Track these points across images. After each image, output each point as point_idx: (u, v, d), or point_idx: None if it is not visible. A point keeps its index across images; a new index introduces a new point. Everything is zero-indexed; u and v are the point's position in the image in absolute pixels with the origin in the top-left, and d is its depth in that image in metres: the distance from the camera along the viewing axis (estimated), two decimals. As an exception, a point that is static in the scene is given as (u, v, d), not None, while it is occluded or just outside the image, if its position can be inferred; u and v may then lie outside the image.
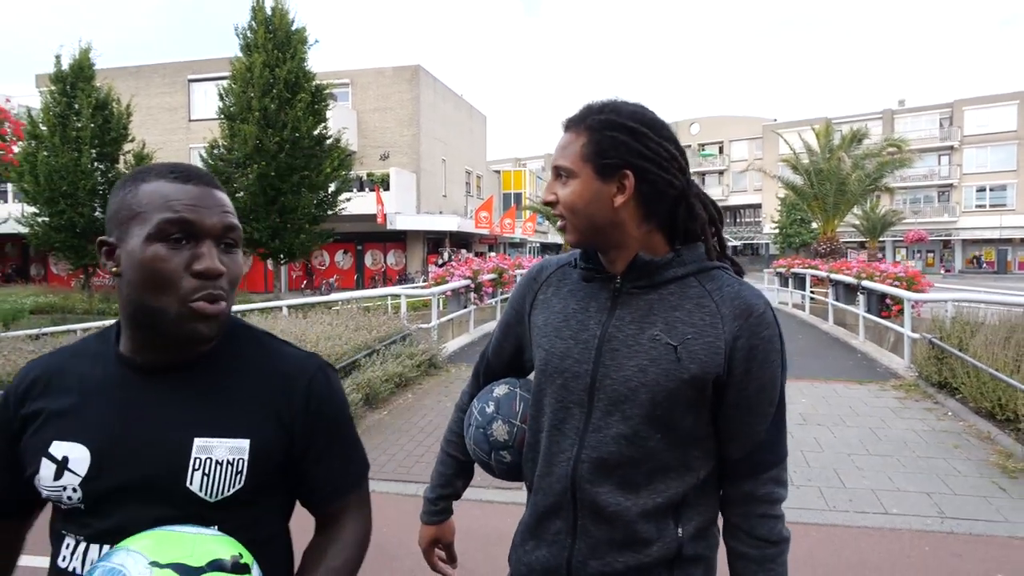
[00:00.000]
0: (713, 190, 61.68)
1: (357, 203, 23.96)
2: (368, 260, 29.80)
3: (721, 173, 61.72)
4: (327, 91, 21.33)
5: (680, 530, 1.14)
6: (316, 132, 20.37)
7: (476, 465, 1.42)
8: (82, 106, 20.90)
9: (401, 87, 29.07)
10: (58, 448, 0.96)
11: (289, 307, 9.52)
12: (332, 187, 21.19)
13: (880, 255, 38.82)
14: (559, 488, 1.16)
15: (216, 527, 0.95)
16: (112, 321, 1.11)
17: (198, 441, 0.97)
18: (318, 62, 22.21)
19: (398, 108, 29.06)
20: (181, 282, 0.93)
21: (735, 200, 60.98)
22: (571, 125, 1.15)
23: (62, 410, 0.99)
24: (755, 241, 59.24)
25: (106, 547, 0.95)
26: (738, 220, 62.88)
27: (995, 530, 3.78)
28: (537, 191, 41.61)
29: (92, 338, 1.08)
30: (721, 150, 61.84)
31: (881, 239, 39.33)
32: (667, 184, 1.13)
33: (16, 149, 6.72)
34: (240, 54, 20.18)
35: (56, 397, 1.00)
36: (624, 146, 1.11)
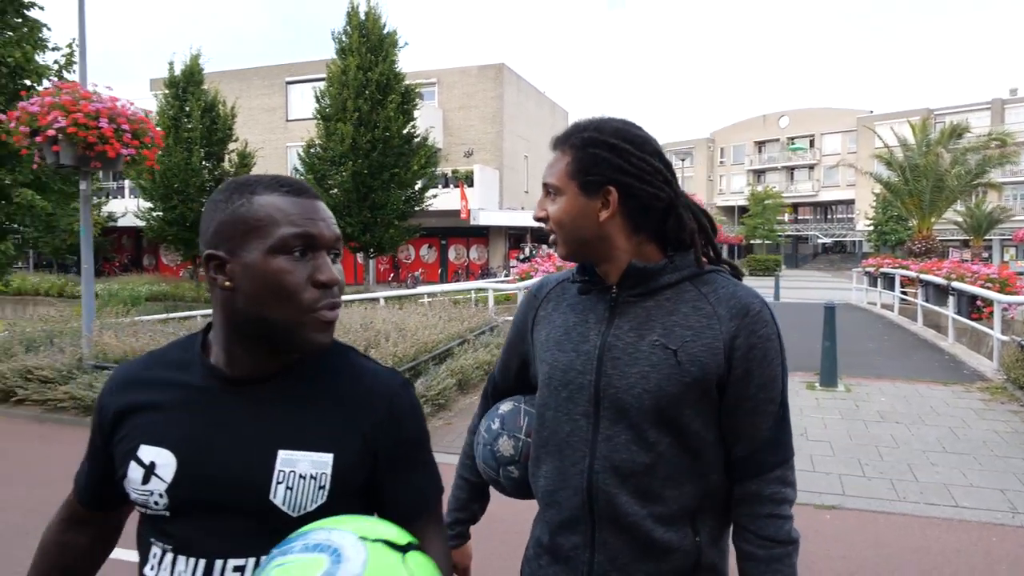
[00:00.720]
0: (802, 185, 59.57)
1: (442, 199, 24.74)
2: (452, 255, 30.66)
3: (811, 168, 59.48)
4: (416, 91, 22.16)
5: (698, 537, 1.14)
6: (405, 131, 21.21)
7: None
8: (192, 109, 22.52)
9: (485, 85, 29.72)
10: (146, 452, 0.97)
11: (386, 298, 10.22)
12: (419, 184, 22.01)
13: (986, 254, 36.65)
14: (575, 501, 1.15)
15: None
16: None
17: (282, 454, 0.96)
18: (406, 62, 23.32)
19: (482, 106, 29.72)
20: (304, 293, 0.94)
21: (826, 196, 58.69)
22: (557, 144, 1.19)
23: (150, 415, 1.00)
24: (847, 238, 56.86)
25: (192, 560, 0.95)
26: (829, 217, 60.50)
27: (1067, 526, 3.88)
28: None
29: (176, 346, 1.08)
30: (812, 144, 59.56)
31: (987, 237, 37.09)
32: (652, 197, 1.15)
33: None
34: (336, 57, 21.24)
35: (145, 402, 1.01)
36: (606, 163, 1.13)
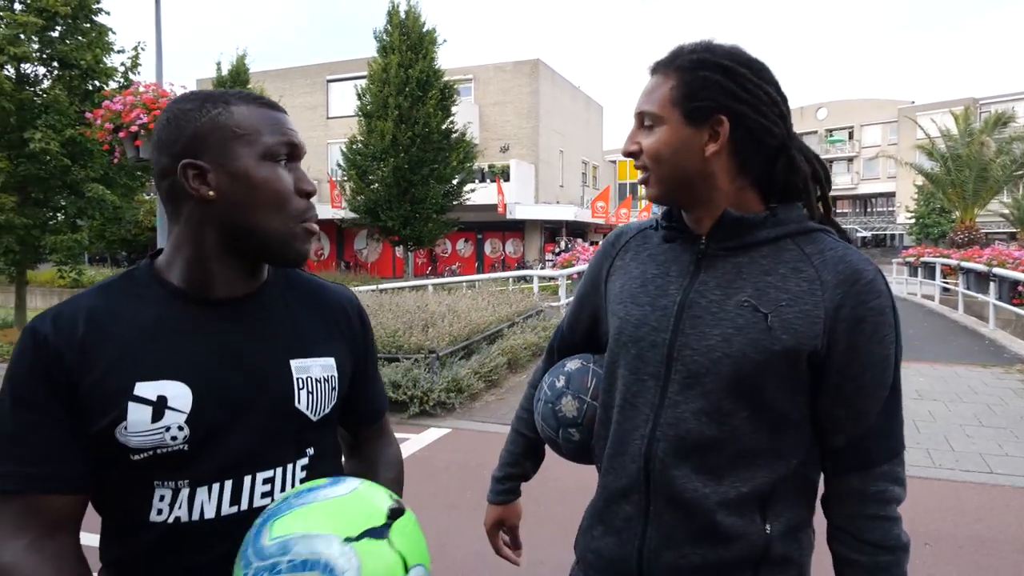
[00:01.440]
0: (841, 178, 58.66)
1: (478, 194, 25.15)
2: (488, 248, 31.09)
3: (850, 160, 58.59)
4: (453, 87, 22.61)
5: (768, 526, 1.01)
6: (444, 127, 21.66)
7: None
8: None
9: (521, 81, 30.04)
10: (145, 389, 0.89)
11: (434, 285, 10.67)
12: (457, 179, 22.46)
13: (1032, 247, 35.78)
14: (632, 469, 1.06)
15: (313, 449, 1.01)
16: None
17: (294, 363, 0.99)
18: (444, 59, 23.81)
19: (518, 102, 30.06)
20: (293, 202, 0.94)
21: (865, 188, 57.81)
22: (659, 67, 1.04)
23: (128, 351, 0.91)
24: (888, 231, 55.91)
25: (217, 486, 0.92)
26: (869, 210, 59.55)
27: (1098, 490, 4.09)
28: (653, 181, 41.54)
29: (114, 280, 0.99)
30: (851, 136, 58.66)
31: (1035, 230, 36.27)
32: (766, 132, 1.01)
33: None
34: (377, 56, 21.78)
35: (114, 342, 0.91)
36: (718, 87, 1.00)
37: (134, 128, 6.74)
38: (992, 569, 3.21)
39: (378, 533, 0.80)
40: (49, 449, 0.88)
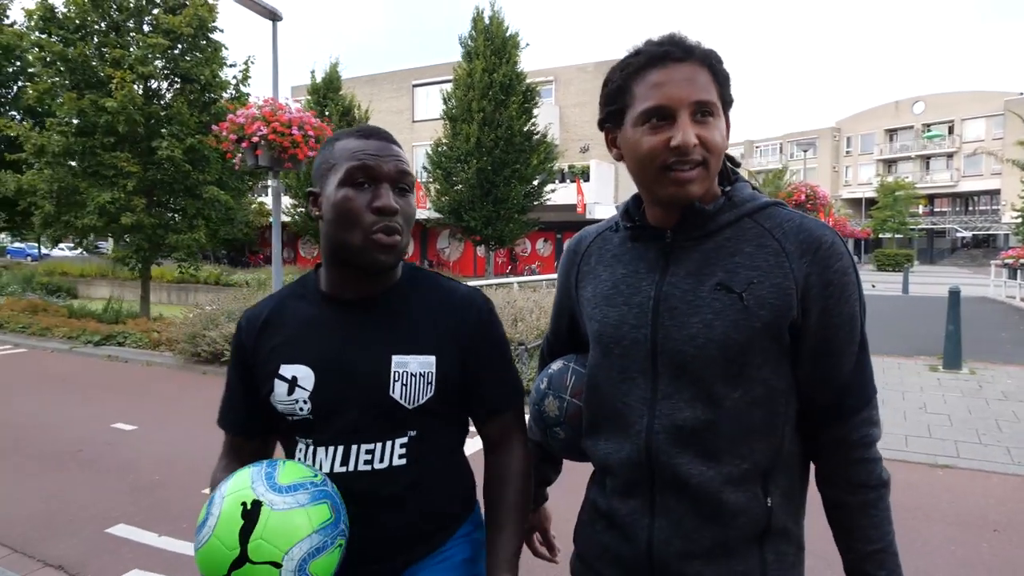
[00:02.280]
0: (939, 175, 55.72)
1: (558, 194, 25.51)
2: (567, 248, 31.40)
3: (950, 156, 55.50)
4: (535, 90, 23.07)
5: (769, 499, 1.04)
6: (526, 129, 22.15)
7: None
8: (332, 113, 24.53)
9: (601, 81, 30.18)
10: (286, 370, 1.17)
11: (519, 283, 11.16)
12: (538, 179, 22.90)
13: None
14: (633, 465, 1.08)
15: (415, 431, 1.18)
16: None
17: (396, 358, 1.15)
18: (525, 62, 24.36)
19: (598, 102, 30.22)
20: (364, 217, 1.10)
21: (967, 186, 54.62)
22: (685, 56, 1.01)
23: (283, 341, 1.19)
24: (991, 231, 52.66)
25: (331, 448, 1.16)
26: (970, 208, 56.23)
27: None
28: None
29: (294, 284, 1.28)
30: (951, 130, 55.55)
31: None
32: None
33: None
34: (462, 61, 22.49)
35: (277, 331, 1.21)
36: (729, 80, 1.05)
37: (255, 139, 7.52)
38: (1059, 554, 3.38)
39: (237, 563, 0.98)
40: (234, 405, 1.27)
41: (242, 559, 0.97)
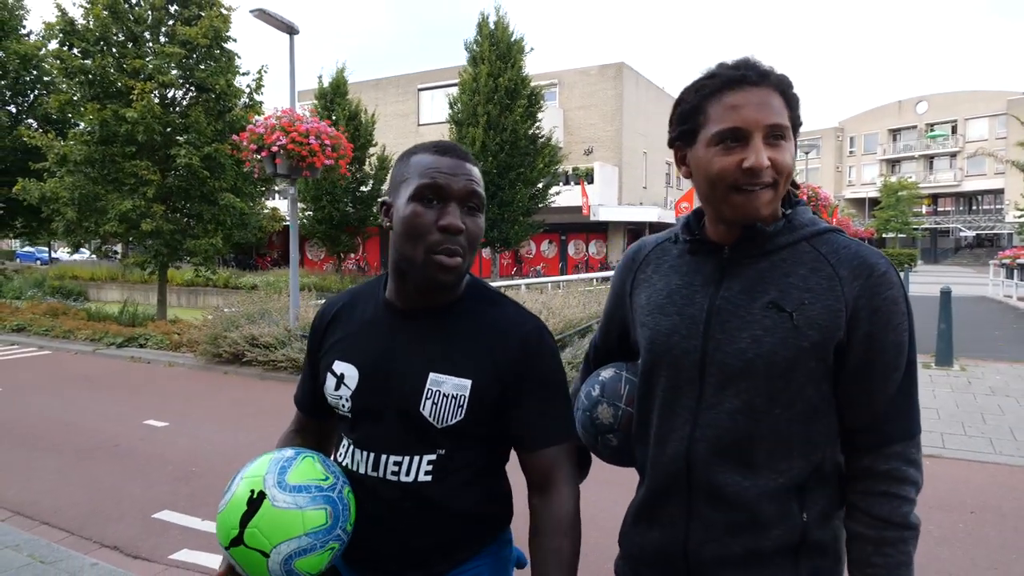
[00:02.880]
0: (943, 175, 55.86)
1: (563, 196, 25.81)
2: (571, 250, 31.72)
3: (953, 156, 55.61)
4: (540, 94, 23.39)
5: (805, 514, 1.06)
6: (531, 132, 22.48)
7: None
8: (339, 118, 24.88)
9: (605, 85, 30.52)
10: (338, 366, 1.22)
11: (527, 285, 11.48)
12: (543, 182, 23.22)
13: None
14: (673, 469, 1.12)
15: (444, 450, 1.17)
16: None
17: (432, 375, 1.15)
18: (530, 66, 24.58)
19: (602, 105, 30.56)
20: (429, 235, 1.10)
21: (970, 185, 54.72)
22: (760, 80, 1.04)
23: (343, 337, 1.25)
24: (995, 231, 52.75)
25: (365, 452, 1.19)
26: (974, 208, 56.33)
27: None
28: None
29: (371, 283, 1.31)
30: (954, 130, 55.67)
31: None
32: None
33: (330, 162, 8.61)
34: (467, 66, 22.83)
35: (342, 327, 1.26)
36: (799, 104, 1.08)
37: (275, 148, 7.86)
38: (1028, 533, 3.68)
39: (235, 541, 1.09)
40: (304, 385, 1.37)
41: (239, 539, 1.07)
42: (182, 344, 9.73)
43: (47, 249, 39.95)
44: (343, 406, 1.21)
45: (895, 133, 59.17)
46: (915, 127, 57.41)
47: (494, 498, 1.26)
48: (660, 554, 1.15)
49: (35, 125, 15.85)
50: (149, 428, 5.97)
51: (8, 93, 15.89)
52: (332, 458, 1.27)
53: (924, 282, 25.02)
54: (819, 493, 1.08)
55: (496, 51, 22.20)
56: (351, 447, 1.21)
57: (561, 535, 1.15)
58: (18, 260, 39.30)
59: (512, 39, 22.62)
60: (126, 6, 12.09)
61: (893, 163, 58.68)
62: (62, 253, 42.45)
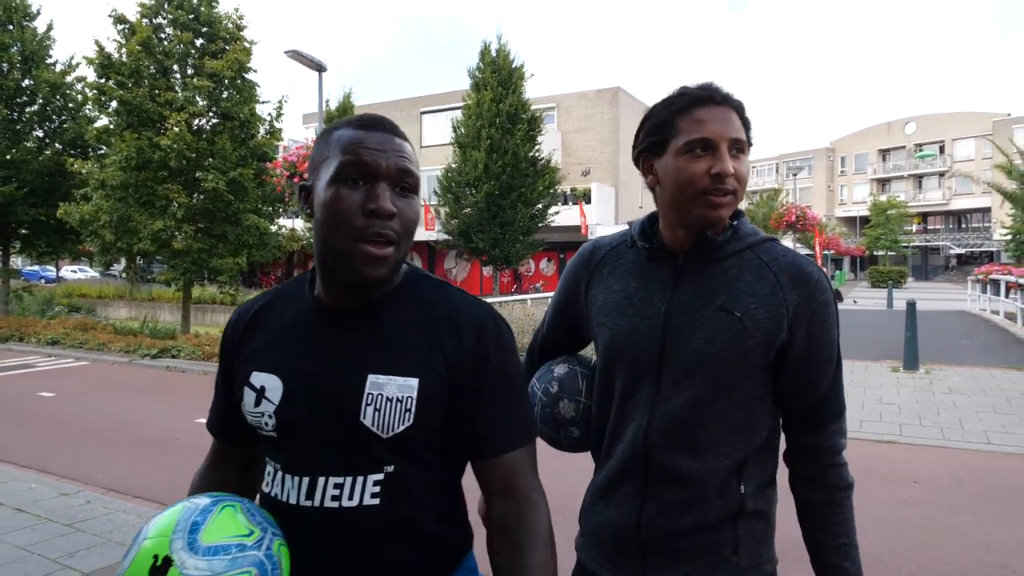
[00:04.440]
0: (932, 194, 57.05)
1: (562, 215, 26.68)
2: (569, 267, 32.51)
3: (941, 175, 56.84)
4: (539, 118, 24.37)
5: (743, 487, 1.18)
6: (531, 155, 23.41)
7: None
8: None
9: (602, 108, 31.59)
10: (257, 378, 1.05)
11: (532, 299, 12.31)
12: (542, 203, 24.12)
13: None
14: (630, 454, 1.21)
15: (392, 467, 1.01)
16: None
17: (371, 378, 1.00)
18: (530, 90, 25.48)
19: (599, 127, 31.59)
20: (354, 220, 0.95)
21: (959, 204, 55.92)
22: (723, 101, 1.16)
23: (262, 344, 1.08)
24: (983, 248, 53.82)
25: (297, 478, 1.01)
26: (963, 226, 57.47)
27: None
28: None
29: (292, 282, 1.14)
30: (942, 150, 56.97)
31: None
32: None
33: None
34: (470, 91, 23.80)
35: (259, 333, 1.10)
36: (751, 127, 1.20)
37: (307, 176, 8.69)
38: (963, 497, 4.48)
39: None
40: (218, 408, 1.18)
41: None
42: (213, 355, 10.49)
43: (53, 268, 40.65)
44: (266, 424, 1.04)
45: (885, 153, 60.52)
46: (904, 147, 58.72)
47: (453, 519, 1.11)
48: (617, 529, 1.24)
49: (59, 148, 16.70)
50: (200, 425, 6.69)
51: (37, 119, 16.72)
52: (259, 493, 1.11)
53: (907, 297, 25.93)
54: (755, 469, 1.20)
55: (498, 77, 23.17)
56: (279, 473, 1.04)
57: (543, 547, 1.03)
58: (23, 278, 39.99)
59: (513, 66, 23.61)
60: (157, 41, 13.00)
61: (883, 182, 59.96)
62: (66, 271, 43.22)
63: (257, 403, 1.05)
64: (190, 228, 12.27)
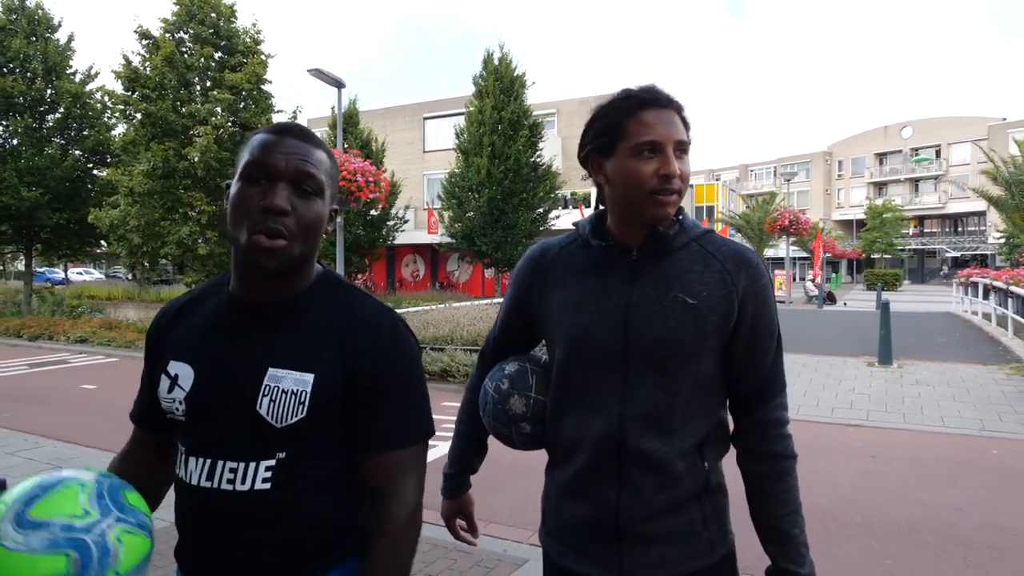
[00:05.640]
0: (928, 197, 57.70)
1: (562, 219, 27.33)
2: (570, 269, 33.15)
3: (937, 179, 57.58)
4: (540, 124, 25.08)
5: (706, 463, 1.26)
6: (532, 160, 24.13)
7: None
8: (351, 145, 26.51)
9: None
10: (172, 366, 1.14)
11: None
12: (543, 207, 24.84)
13: None
14: (604, 445, 1.24)
15: (284, 452, 1.08)
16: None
17: (271, 371, 1.08)
18: (531, 97, 26.16)
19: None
20: (252, 216, 1.04)
21: (955, 208, 56.53)
22: (668, 104, 1.21)
23: (179, 336, 1.17)
24: (979, 252, 54.49)
25: (200, 460, 1.09)
26: (959, 229, 58.16)
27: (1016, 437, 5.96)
28: (730, 204, 42.63)
29: (217, 279, 1.23)
30: (938, 154, 57.70)
31: None
32: None
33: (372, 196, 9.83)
34: (473, 99, 24.52)
35: (179, 325, 1.19)
36: (690, 128, 1.24)
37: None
38: (912, 468, 5.18)
39: None
40: (140, 396, 1.27)
41: None
42: (236, 351, 11.16)
43: (59, 270, 41.40)
44: (177, 410, 1.12)
45: (882, 157, 61.26)
46: (901, 151, 59.46)
47: (344, 507, 1.15)
48: (592, 521, 1.28)
49: (79, 154, 17.43)
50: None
51: (58, 127, 17.46)
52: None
53: (903, 300, 26.68)
54: (713, 446, 1.28)
55: (500, 85, 23.87)
56: (185, 455, 1.13)
57: (402, 547, 1.11)
58: (34, 281, 40.61)
59: (515, 74, 24.32)
60: (179, 55, 13.74)
61: (880, 186, 60.69)
62: (72, 273, 43.95)
63: (170, 390, 1.12)
64: (214, 234, 12.99)
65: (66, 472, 1.01)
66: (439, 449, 4.64)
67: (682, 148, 1.21)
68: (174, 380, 1.12)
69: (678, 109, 1.23)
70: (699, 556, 1.25)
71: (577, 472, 1.29)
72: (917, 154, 58.32)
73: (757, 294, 1.24)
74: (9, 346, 12.79)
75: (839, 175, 63.90)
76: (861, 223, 53.48)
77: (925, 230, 59.27)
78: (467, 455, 1.54)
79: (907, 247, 51.74)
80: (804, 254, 40.75)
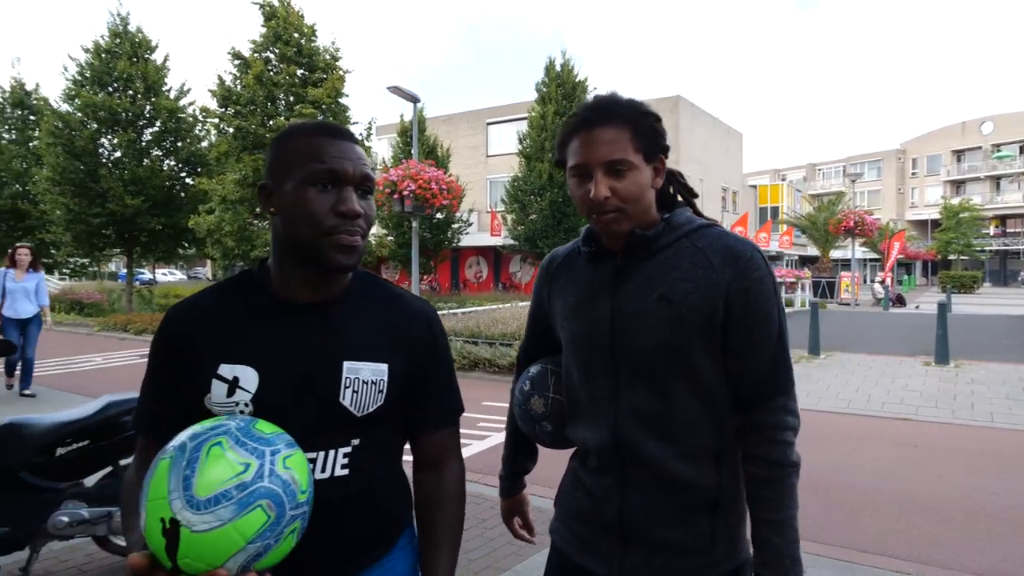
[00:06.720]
0: (1011, 196, 55.07)
1: (624, 221, 27.75)
2: (631, 271, 33.36)
3: (1020, 176, 54.91)
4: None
5: (720, 475, 1.24)
6: (594, 164, 24.56)
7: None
8: (419, 152, 27.52)
9: (663, 116, 32.16)
10: (226, 370, 1.10)
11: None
12: (605, 209, 25.23)
13: None
14: (607, 447, 1.27)
15: (358, 439, 1.14)
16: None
17: (347, 364, 1.13)
18: (591, 101, 26.73)
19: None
20: (326, 220, 1.08)
21: (1040, 206, 53.92)
22: (607, 120, 1.20)
23: (221, 339, 1.12)
24: (1068, 252, 51.77)
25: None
26: (1047, 228, 55.35)
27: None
28: (796, 204, 41.94)
29: (232, 280, 1.22)
30: (1021, 150, 55.04)
31: None
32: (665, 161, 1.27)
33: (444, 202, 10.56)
34: (536, 104, 25.17)
35: (211, 329, 1.14)
36: (656, 132, 1.24)
37: (405, 192, 10.23)
38: (953, 457, 5.53)
39: (175, 572, 0.89)
40: (154, 406, 1.16)
41: (176, 571, 0.89)
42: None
43: (148, 271, 44.18)
44: (241, 411, 1.10)
45: (959, 154, 58.82)
46: (980, 148, 56.98)
47: (403, 484, 1.28)
48: (597, 515, 1.30)
49: (174, 164, 18.93)
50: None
51: (155, 140, 19.01)
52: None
53: (977, 303, 25.86)
54: (730, 455, 1.25)
55: (562, 91, 24.41)
56: None
57: (456, 504, 1.26)
58: (120, 281, 43.52)
59: (576, 80, 24.83)
60: (267, 73, 14.90)
61: (958, 184, 58.31)
62: (158, 274, 46.78)
63: (231, 393, 1.09)
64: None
65: (178, 439, 0.95)
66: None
67: (619, 167, 1.19)
68: (233, 383, 1.10)
69: (627, 120, 1.21)
70: (703, 570, 1.24)
71: (588, 471, 1.34)
72: (998, 150, 55.74)
73: (747, 289, 1.19)
74: (118, 339, 14.13)
75: (913, 173, 61.66)
76: (936, 223, 51.59)
77: (1008, 230, 56.62)
78: (516, 455, 1.61)
79: (987, 248, 49.65)
80: (875, 256, 39.71)
